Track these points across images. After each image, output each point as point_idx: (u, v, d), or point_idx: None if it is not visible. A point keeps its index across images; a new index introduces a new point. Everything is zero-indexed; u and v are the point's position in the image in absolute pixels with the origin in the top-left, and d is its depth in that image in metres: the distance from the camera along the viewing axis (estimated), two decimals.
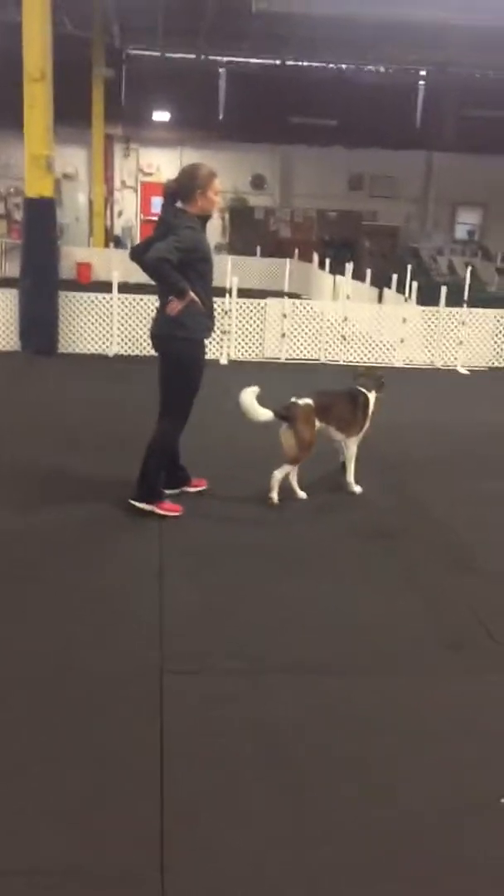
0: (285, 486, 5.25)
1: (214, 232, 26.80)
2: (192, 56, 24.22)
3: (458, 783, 2.71)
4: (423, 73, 26.10)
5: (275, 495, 5.19)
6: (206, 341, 4.93)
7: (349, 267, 12.42)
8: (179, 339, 4.76)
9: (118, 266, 17.17)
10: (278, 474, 5.18)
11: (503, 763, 2.82)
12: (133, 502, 4.92)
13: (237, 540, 4.67)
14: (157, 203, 27.17)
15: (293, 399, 5.24)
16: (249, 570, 4.28)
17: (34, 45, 9.14)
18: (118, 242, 25.00)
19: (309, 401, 5.23)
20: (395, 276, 11.32)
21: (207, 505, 5.13)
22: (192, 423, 4.99)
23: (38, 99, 9.21)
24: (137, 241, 25.38)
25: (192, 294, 4.60)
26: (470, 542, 4.79)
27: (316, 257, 15.19)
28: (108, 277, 16.29)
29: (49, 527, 4.69)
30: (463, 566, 4.45)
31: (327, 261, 14.40)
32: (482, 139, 25.38)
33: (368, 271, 12.39)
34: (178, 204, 4.74)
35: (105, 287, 9.85)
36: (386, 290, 11.68)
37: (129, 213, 26.87)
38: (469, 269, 22.88)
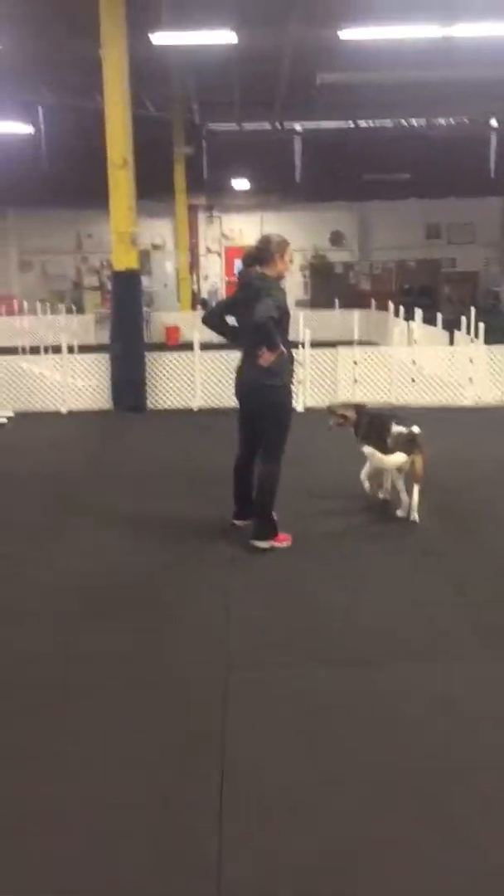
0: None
1: (296, 288, 27.77)
2: (268, 125, 25.47)
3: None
4: (493, 123, 26.58)
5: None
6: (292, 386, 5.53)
7: (418, 312, 12.89)
8: (273, 386, 5.29)
9: (202, 327, 18.03)
10: (415, 497, 5.75)
11: None
12: (255, 543, 5.39)
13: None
14: (240, 266, 28.36)
15: (406, 429, 5.74)
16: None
17: (116, 135, 10.17)
18: (205, 304, 26.15)
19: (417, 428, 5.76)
20: (463, 319, 11.71)
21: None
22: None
23: (120, 183, 10.21)
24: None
25: (281, 347, 5.17)
26: None
27: (391, 305, 15.70)
28: (191, 337, 17.24)
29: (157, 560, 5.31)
30: None
31: (401, 308, 14.90)
32: None
33: (439, 315, 12.83)
34: (258, 268, 5.38)
35: (191, 347, 10.64)
36: (456, 332, 12.07)
37: (214, 276, 28.13)
38: None
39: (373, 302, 20.83)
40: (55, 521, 6.15)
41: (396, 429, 5.83)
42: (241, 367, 5.54)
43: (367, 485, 6.17)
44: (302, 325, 10.34)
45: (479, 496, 6.65)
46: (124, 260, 10.49)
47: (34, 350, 13.30)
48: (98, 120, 10.79)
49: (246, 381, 5.47)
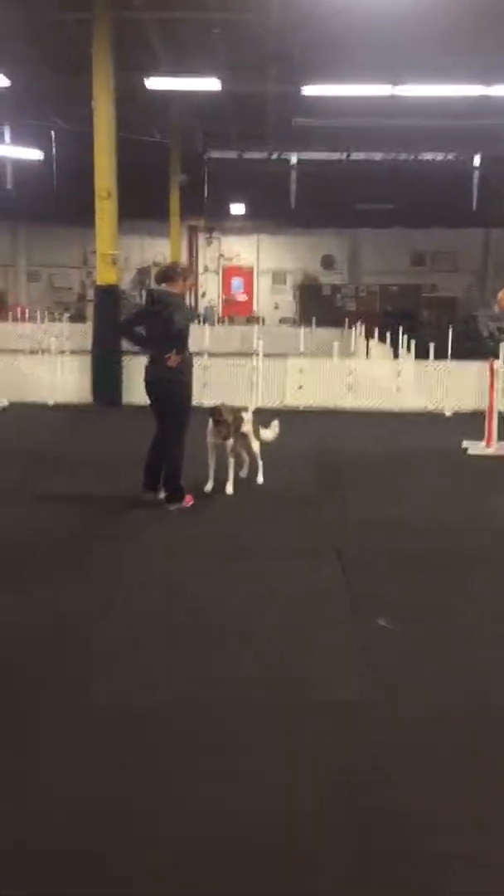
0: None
1: (288, 307, 29.63)
2: (264, 155, 27.38)
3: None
4: (476, 160, 28.45)
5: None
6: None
7: (361, 327, 14.63)
8: (175, 381, 6.81)
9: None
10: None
11: None
12: (169, 506, 6.76)
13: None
14: (236, 284, 30.31)
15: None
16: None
17: (102, 172, 11.99)
18: (203, 319, 27.91)
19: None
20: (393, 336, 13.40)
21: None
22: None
23: (105, 212, 12.02)
24: (218, 316, 28.53)
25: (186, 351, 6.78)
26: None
27: (354, 324, 17.39)
28: None
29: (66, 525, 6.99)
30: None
31: (357, 325, 16.60)
32: None
33: (388, 333, 14.56)
34: (164, 285, 7.01)
35: None
36: (402, 349, 13.74)
37: (212, 293, 29.98)
38: None
39: (358, 322, 22.57)
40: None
41: (248, 416, 7.47)
42: (148, 367, 6.86)
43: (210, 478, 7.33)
44: (256, 337, 12.07)
45: (365, 475, 8.30)
46: (106, 277, 12.30)
47: (33, 352, 15.05)
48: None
49: (153, 380, 6.82)
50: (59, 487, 7.57)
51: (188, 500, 6.88)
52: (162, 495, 6.93)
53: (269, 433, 7.75)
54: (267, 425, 7.82)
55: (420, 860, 2.69)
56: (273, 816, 2.91)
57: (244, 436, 7.48)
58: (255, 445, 7.59)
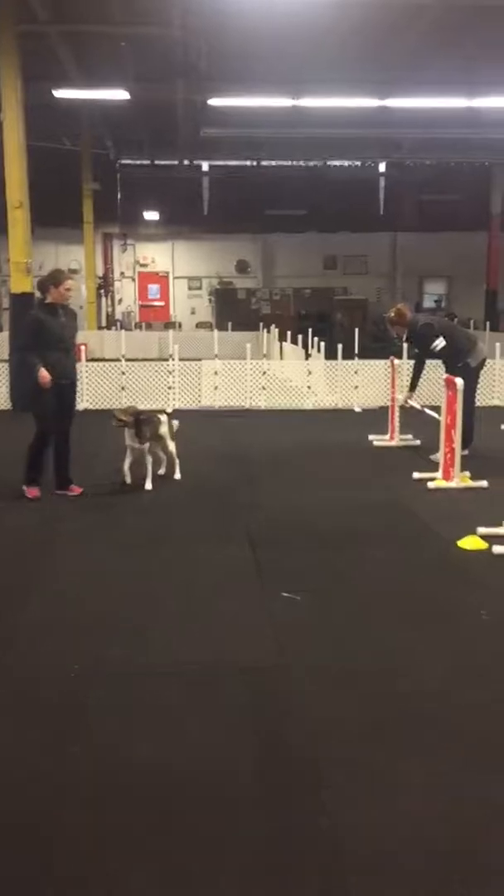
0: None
1: (204, 311, 30.03)
2: (176, 162, 27.73)
3: None
4: (381, 167, 29.45)
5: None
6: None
7: (275, 331, 15.17)
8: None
9: (101, 343, 20.06)
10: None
11: None
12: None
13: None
14: (152, 290, 30.58)
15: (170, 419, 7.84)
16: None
17: (13, 182, 12.18)
18: (120, 325, 28.05)
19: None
20: (299, 338, 13.99)
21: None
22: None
23: (18, 221, 12.22)
24: (136, 322, 28.76)
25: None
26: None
27: (273, 329, 17.89)
28: (101, 354, 19.16)
29: None
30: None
31: (268, 328, 17.12)
32: (439, 219, 28.60)
33: (300, 336, 15.12)
34: (38, 295, 7.37)
35: (98, 360, 12.61)
36: (312, 350, 14.31)
37: (129, 299, 30.15)
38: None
39: (272, 326, 23.14)
40: None
41: (164, 419, 7.88)
42: (61, 371, 7.22)
43: (127, 473, 7.71)
44: (172, 343, 12.45)
45: (277, 467, 8.76)
46: (20, 285, 12.48)
47: None
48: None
49: (71, 381, 7.48)
50: None
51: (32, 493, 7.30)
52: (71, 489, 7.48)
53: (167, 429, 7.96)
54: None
55: (318, 774, 3.13)
56: (190, 762, 3.31)
57: (160, 437, 7.86)
58: (171, 446, 7.98)
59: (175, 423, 8.12)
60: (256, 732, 3.51)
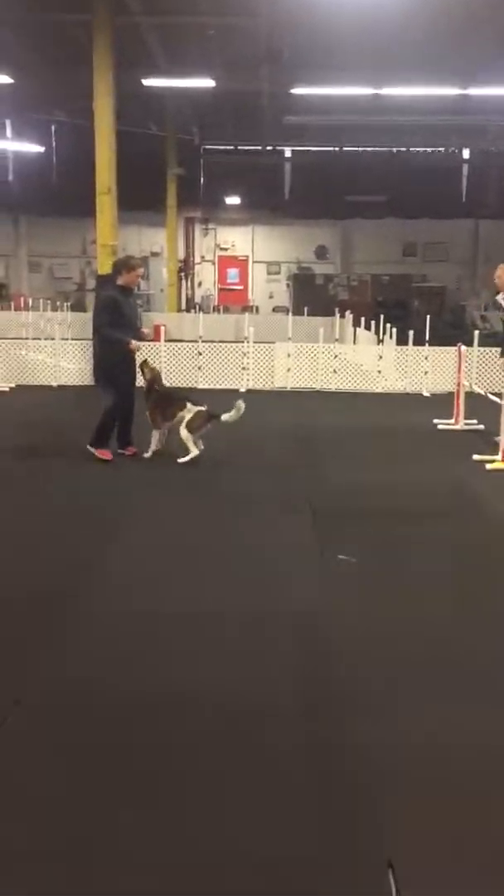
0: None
1: (281, 296, 30.40)
2: (259, 147, 28.12)
3: None
4: (465, 154, 29.23)
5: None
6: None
7: (349, 316, 15.48)
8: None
9: (180, 325, 20.64)
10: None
11: None
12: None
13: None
14: (232, 274, 31.11)
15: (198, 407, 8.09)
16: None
17: (102, 168, 12.80)
18: (199, 308, 28.67)
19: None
20: (372, 323, 14.24)
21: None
22: None
23: (105, 206, 12.85)
24: (214, 305, 29.36)
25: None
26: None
27: (347, 315, 18.17)
28: (179, 335, 19.82)
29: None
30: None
31: (343, 314, 17.44)
32: None
33: (372, 322, 15.40)
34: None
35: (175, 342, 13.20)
36: (385, 336, 14.58)
37: (208, 283, 30.76)
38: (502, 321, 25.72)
39: (346, 312, 23.40)
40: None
41: (193, 407, 8.04)
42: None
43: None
44: (247, 325, 12.92)
45: (343, 447, 9.16)
46: (107, 266, 13.09)
47: (36, 339, 15.86)
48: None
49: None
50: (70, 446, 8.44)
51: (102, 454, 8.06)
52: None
53: (228, 416, 8.05)
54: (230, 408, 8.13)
55: (359, 708, 3.57)
56: (244, 684, 3.79)
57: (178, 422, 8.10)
58: (184, 433, 8.02)
59: (239, 404, 8.03)
60: (300, 664, 3.96)
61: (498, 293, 9.37)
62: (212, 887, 2.56)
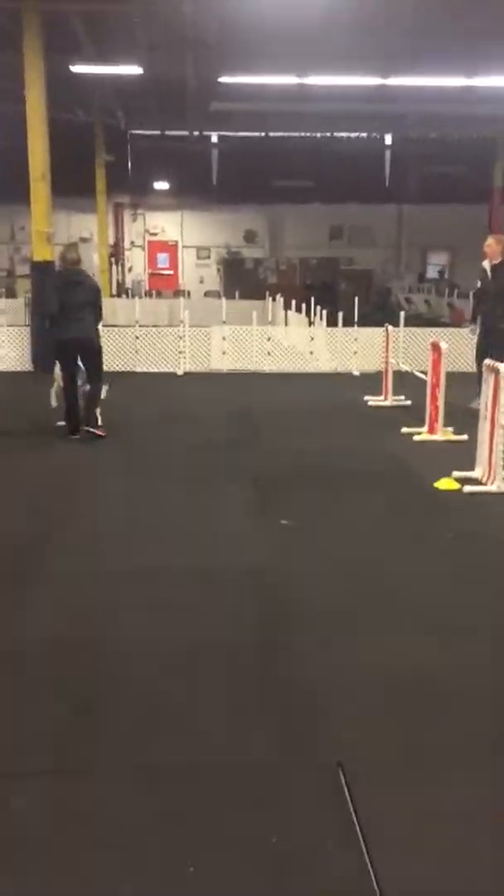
0: None
1: (212, 280, 30.72)
2: (186, 133, 28.30)
3: None
4: (388, 140, 29.98)
5: None
6: None
7: (280, 299, 15.99)
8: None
9: (115, 311, 20.73)
10: None
11: None
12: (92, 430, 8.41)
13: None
14: (161, 259, 31.26)
15: None
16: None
17: (36, 155, 12.93)
18: (128, 293, 28.76)
19: None
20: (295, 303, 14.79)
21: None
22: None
23: (39, 193, 13.00)
24: (145, 290, 29.47)
25: None
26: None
27: (278, 298, 18.65)
28: (113, 321, 19.93)
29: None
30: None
31: (274, 297, 17.91)
32: (444, 191, 29.14)
33: (303, 305, 15.91)
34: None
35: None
36: (316, 318, 15.11)
37: (138, 268, 30.87)
38: (426, 303, 26.73)
39: (277, 295, 23.87)
40: None
41: None
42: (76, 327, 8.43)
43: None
44: (182, 309, 13.26)
45: (280, 423, 9.63)
46: (41, 253, 13.29)
47: None
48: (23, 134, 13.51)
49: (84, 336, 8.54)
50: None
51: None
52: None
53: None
54: None
55: (306, 644, 4.03)
56: (203, 630, 4.22)
57: None
58: None
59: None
60: (252, 610, 4.41)
61: (485, 261, 10.05)
62: (183, 788, 2.98)
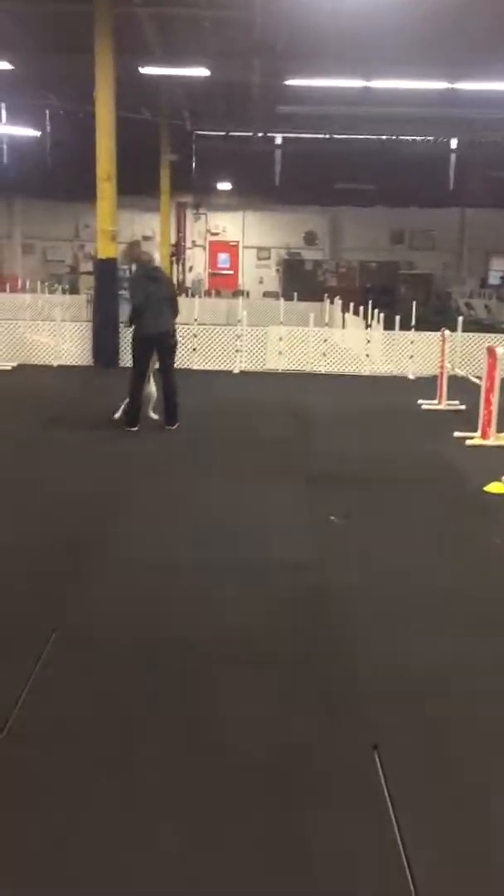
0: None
1: (271, 281, 30.90)
2: (251, 133, 28.50)
3: None
4: (453, 144, 29.76)
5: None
6: None
7: (339, 302, 16.06)
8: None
9: None
10: None
11: None
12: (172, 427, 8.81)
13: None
14: (222, 259, 31.55)
15: None
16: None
17: (103, 155, 13.25)
18: (188, 292, 29.08)
19: None
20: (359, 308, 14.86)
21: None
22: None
23: (105, 192, 13.33)
24: (205, 289, 29.77)
25: None
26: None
27: (336, 300, 18.74)
28: None
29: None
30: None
31: (332, 300, 18.01)
32: None
33: (361, 307, 15.96)
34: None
35: None
36: (373, 321, 15.14)
37: (199, 267, 31.21)
38: (486, 308, 26.51)
39: (336, 298, 23.93)
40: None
41: None
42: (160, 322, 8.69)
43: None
44: (240, 310, 13.45)
45: (332, 424, 9.74)
46: (106, 251, 13.62)
47: (34, 320, 16.32)
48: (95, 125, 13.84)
49: (168, 330, 8.78)
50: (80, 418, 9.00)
51: None
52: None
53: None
54: None
55: (349, 637, 4.17)
56: (252, 617, 4.39)
57: None
58: None
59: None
60: (299, 603, 4.56)
61: None
62: (231, 770, 3.15)
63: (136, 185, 26.02)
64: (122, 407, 8.90)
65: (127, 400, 8.82)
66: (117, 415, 8.94)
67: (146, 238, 29.56)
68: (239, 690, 3.66)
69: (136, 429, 8.76)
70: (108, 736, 3.29)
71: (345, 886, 2.56)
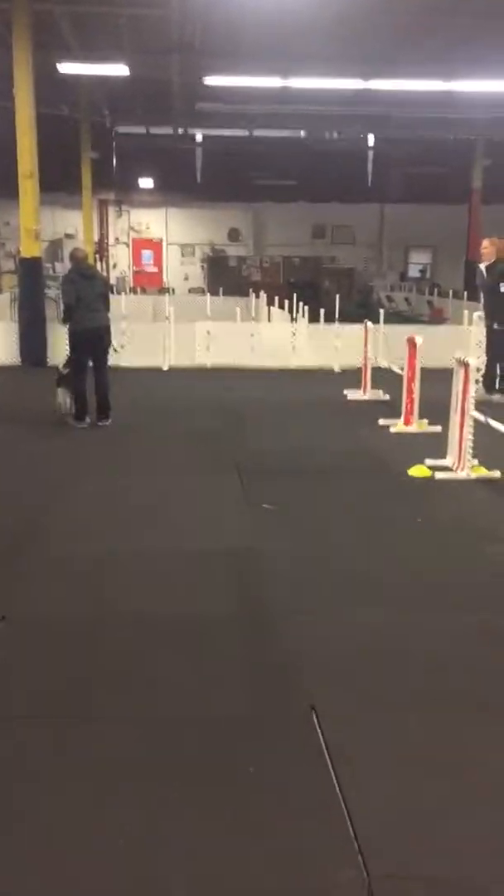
0: None
1: (196, 278, 31.02)
2: (171, 131, 28.52)
3: None
4: (371, 138, 30.35)
5: None
6: None
7: (264, 296, 16.34)
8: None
9: None
10: None
11: None
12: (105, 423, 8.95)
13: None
14: (146, 256, 31.52)
15: None
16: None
17: (25, 152, 13.20)
18: (113, 290, 28.97)
19: None
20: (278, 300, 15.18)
21: None
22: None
23: (28, 190, 13.28)
24: (130, 287, 29.70)
25: None
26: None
27: (261, 295, 19.00)
28: None
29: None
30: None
31: (260, 294, 18.29)
32: (425, 191, 29.59)
33: (287, 301, 16.25)
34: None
35: None
36: (298, 315, 15.44)
37: (123, 264, 31.11)
38: (406, 301, 27.20)
39: (261, 292, 24.20)
40: None
41: None
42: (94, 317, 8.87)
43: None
44: (167, 306, 13.57)
45: (261, 416, 9.97)
46: (29, 250, 13.58)
47: None
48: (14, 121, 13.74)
49: (103, 325, 9.02)
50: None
51: None
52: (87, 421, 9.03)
53: None
54: None
55: (284, 615, 4.40)
56: (190, 603, 4.58)
57: None
58: None
59: None
60: (236, 587, 4.78)
61: (481, 262, 10.91)
62: (174, 739, 3.34)
63: (58, 183, 25.76)
64: (68, 401, 9.08)
65: (71, 395, 9.03)
66: (65, 409, 9.10)
67: (69, 236, 29.33)
68: (177, 663, 3.85)
69: (86, 424, 8.98)
70: (57, 708, 3.45)
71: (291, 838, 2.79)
